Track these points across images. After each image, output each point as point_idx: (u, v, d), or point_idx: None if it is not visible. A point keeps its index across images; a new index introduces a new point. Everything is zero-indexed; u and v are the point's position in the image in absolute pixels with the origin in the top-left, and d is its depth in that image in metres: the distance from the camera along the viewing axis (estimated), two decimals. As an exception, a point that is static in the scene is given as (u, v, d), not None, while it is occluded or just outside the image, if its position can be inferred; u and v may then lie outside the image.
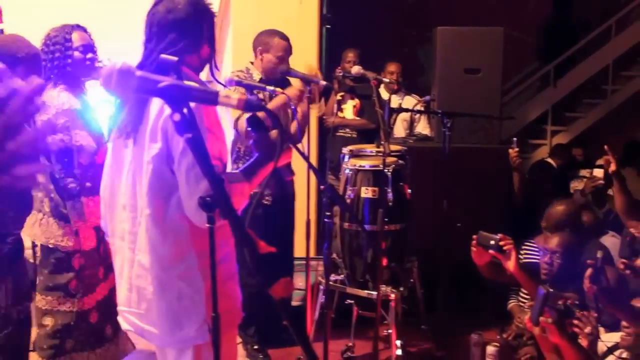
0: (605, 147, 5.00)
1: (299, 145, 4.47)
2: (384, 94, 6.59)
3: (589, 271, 3.54)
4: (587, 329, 3.51)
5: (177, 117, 1.74)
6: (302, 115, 4.85)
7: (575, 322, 3.41)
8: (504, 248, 3.91)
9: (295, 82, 4.91)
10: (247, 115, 4.04)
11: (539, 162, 8.77)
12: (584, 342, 3.58)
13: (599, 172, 6.36)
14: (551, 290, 3.00)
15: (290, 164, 3.74)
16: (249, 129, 2.71)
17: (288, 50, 5.01)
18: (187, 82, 1.83)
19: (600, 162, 8.20)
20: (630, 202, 4.84)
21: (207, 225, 2.29)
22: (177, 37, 2.75)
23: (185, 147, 2.52)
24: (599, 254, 3.74)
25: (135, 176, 2.72)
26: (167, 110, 2.47)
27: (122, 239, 2.83)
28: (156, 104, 2.62)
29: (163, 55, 2.62)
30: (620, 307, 3.48)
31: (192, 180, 2.54)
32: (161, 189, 2.65)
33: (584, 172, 8.18)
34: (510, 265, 3.92)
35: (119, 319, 2.99)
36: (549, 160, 8.35)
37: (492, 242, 3.94)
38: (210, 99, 1.80)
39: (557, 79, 11.35)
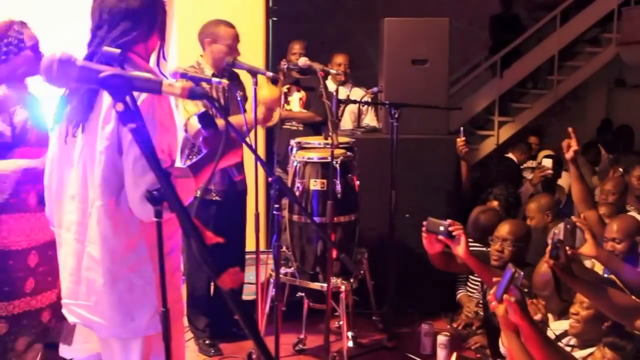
0: (570, 129, 5.03)
1: (247, 139, 4.47)
2: (332, 86, 6.59)
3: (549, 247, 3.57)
4: (538, 316, 3.56)
5: (119, 107, 1.71)
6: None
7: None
8: (454, 233, 3.92)
9: (264, 96, 4.83)
10: (194, 117, 4.01)
11: (501, 158, 8.85)
12: None
13: (547, 162, 6.45)
14: (520, 271, 3.01)
15: (242, 163, 3.72)
16: (200, 125, 2.68)
17: (236, 39, 4.95)
18: (130, 72, 1.80)
19: (543, 153, 8.35)
20: (586, 190, 4.89)
21: (155, 219, 2.27)
22: (129, 26, 2.72)
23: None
24: (557, 230, 3.77)
25: (86, 166, 2.67)
26: None
27: (68, 231, 2.78)
28: None
29: (106, 48, 2.59)
30: (578, 281, 3.52)
31: (138, 172, 2.51)
32: (114, 180, 2.61)
33: (530, 164, 8.29)
34: (460, 250, 3.93)
35: (64, 311, 2.93)
36: (510, 155, 8.41)
37: (442, 228, 3.95)
38: (154, 88, 1.77)
39: (503, 70, 11.45)
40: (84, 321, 2.84)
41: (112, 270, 2.69)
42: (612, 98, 12.65)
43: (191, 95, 1.75)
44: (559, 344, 3.67)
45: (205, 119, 2.65)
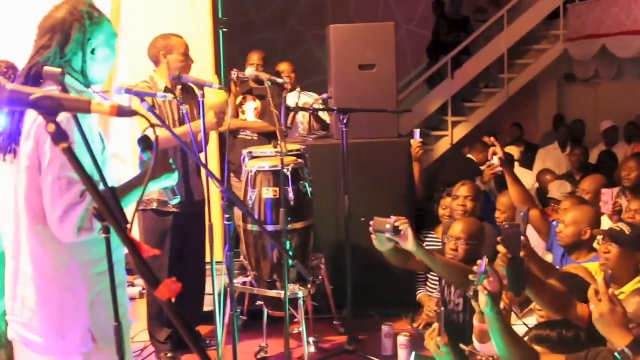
0: (492, 139, 5.15)
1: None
2: (293, 95, 6.66)
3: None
4: (501, 305, 3.62)
5: (51, 128, 1.73)
6: (209, 124, 4.84)
7: None
8: (400, 228, 3.96)
9: (212, 101, 4.88)
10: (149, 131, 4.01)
11: (463, 160, 8.93)
12: None
13: (495, 160, 6.53)
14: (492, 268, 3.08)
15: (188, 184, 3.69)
16: (139, 148, 2.72)
17: (188, 47, 5.01)
18: (61, 93, 1.82)
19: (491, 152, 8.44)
20: (524, 191, 5.00)
21: (103, 235, 2.30)
22: (56, 43, 2.76)
23: (52, 159, 2.55)
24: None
25: (16, 186, 2.72)
26: (40, 119, 2.46)
27: (7, 248, 2.83)
28: (32, 113, 2.60)
29: (47, 68, 2.61)
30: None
31: (55, 194, 2.56)
32: (37, 200, 2.64)
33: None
34: (409, 245, 3.97)
35: (8, 328, 2.95)
36: (470, 156, 8.49)
37: (388, 226, 3.97)
38: (84, 108, 1.80)
39: (454, 71, 11.58)
40: (21, 339, 2.85)
41: (43, 288, 2.72)
42: (563, 93, 12.85)
43: (120, 113, 1.79)
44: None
45: (143, 142, 2.69)
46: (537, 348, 3.26)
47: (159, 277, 1.72)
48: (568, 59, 11.85)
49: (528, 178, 7.78)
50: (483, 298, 3.13)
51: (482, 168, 8.26)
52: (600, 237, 4.28)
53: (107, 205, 1.77)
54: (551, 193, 6.31)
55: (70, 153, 1.75)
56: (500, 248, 3.23)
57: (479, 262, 3.18)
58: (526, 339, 3.33)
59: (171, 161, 2.88)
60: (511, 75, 11.77)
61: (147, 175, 2.62)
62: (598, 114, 11.44)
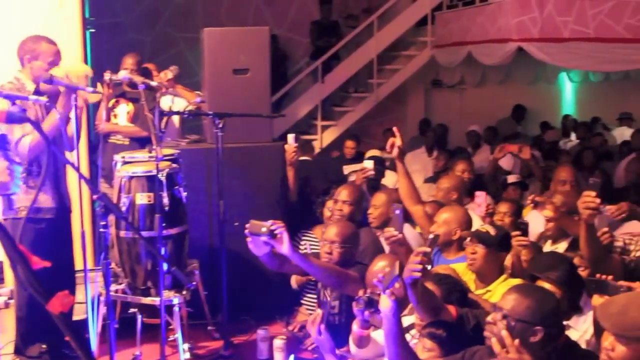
0: (394, 128, 5.25)
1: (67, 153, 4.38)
2: (167, 100, 6.57)
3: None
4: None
5: None
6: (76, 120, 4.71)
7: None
8: (275, 232, 3.99)
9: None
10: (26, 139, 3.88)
11: (332, 163, 9.05)
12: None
13: (368, 163, 6.64)
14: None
15: None
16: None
17: (58, 55, 4.82)
18: None
19: (370, 153, 8.62)
20: (412, 186, 5.14)
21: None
22: None
23: None
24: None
25: None
26: None
27: None
28: None
29: None
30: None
31: None
32: None
33: (347, 168, 8.51)
34: (284, 248, 4.02)
35: None
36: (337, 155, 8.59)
37: (264, 229, 4.00)
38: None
39: (325, 75, 11.70)
40: None
41: None
42: (430, 98, 13.22)
43: (9, 119, 1.72)
44: (407, 335, 3.81)
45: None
46: (427, 342, 3.37)
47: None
48: (435, 65, 12.24)
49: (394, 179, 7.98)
50: (388, 302, 3.19)
51: (347, 172, 8.42)
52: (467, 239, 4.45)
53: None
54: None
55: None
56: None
57: (388, 267, 3.25)
58: (415, 333, 3.43)
59: None
60: (380, 81, 12.02)
61: None
62: (463, 119, 11.88)
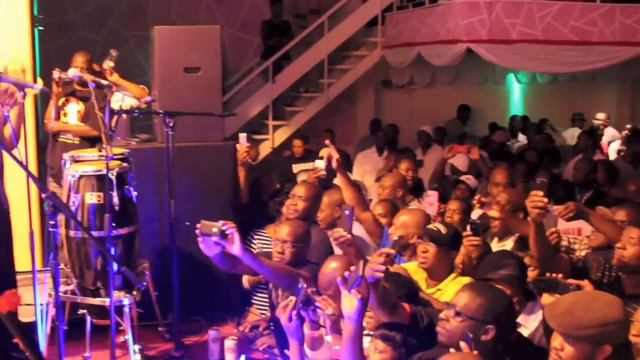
0: (327, 141, 5.26)
1: (15, 151, 4.30)
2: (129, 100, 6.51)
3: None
4: (329, 310, 3.70)
5: None
6: (17, 118, 4.64)
7: (318, 305, 3.61)
8: (226, 232, 3.99)
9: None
10: None
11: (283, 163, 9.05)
12: (327, 322, 3.78)
13: (319, 163, 6.65)
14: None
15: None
16: None
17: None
18: None
19: (322, 153, 8.61)
20: (358, 194, 5.17)
21: None
22: None
23: None
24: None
25: None
26: None
27: None
28: None
29: None
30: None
31: None
32: None
33: (297, 167, 8.53)
34: (235, 249, 4.02)
35: None
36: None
37: (215, 229, 3.99)
38: None
39: (275, 75, 11.69)
40: None
41: None
42: (380, 98, 13.29)
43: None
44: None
45: None
46: (379, 344, 3.40)
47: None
48: (385, 65, 12.31)
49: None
50: (354, 302, 3.19)
51: (296, 171, 8.44)
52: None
53: None
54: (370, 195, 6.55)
55: None
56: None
57: (352, 267, 3.25)
58: (373, 333, 3.45)
59: None
60: (331, 80, 12.03)
61: None
62: (413, 119, 11.97)
